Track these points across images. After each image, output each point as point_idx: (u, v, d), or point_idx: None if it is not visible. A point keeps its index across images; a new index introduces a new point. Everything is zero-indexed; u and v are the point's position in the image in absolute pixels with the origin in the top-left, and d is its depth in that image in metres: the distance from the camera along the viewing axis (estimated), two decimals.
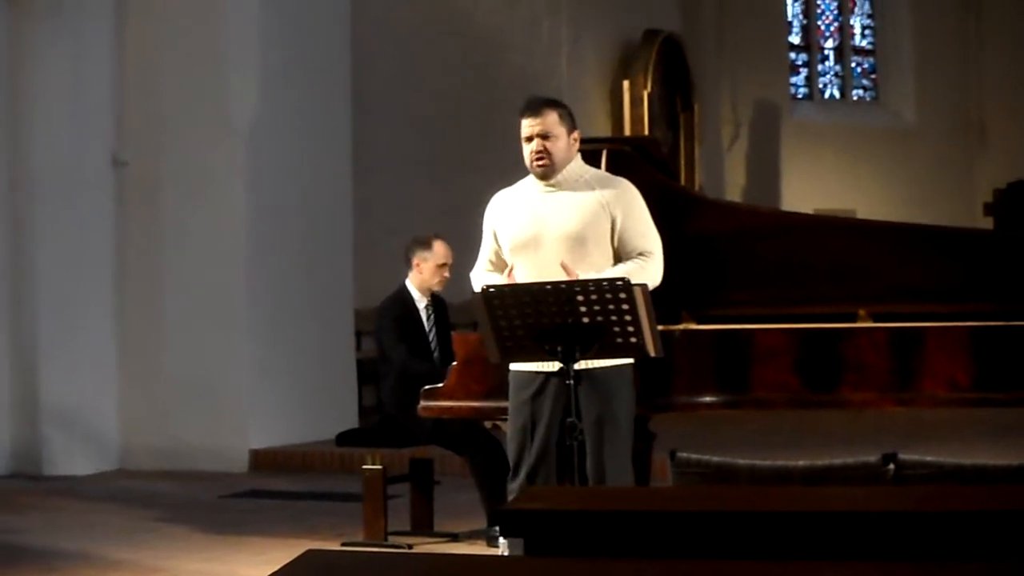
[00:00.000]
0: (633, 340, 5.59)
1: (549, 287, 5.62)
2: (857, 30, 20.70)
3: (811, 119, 19.92)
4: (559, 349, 5.58)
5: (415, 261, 8.40)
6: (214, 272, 11.57)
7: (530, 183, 6.17)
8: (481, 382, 6.62)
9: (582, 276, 5.78)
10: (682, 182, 15.51)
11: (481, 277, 6.13)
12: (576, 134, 6.14)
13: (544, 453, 5.98)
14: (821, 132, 19.74)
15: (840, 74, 20.59)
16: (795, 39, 20.29)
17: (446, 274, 8.40)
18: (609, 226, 6.03)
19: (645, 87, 16.65)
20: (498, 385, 6.32)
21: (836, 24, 20.59)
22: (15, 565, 8.01)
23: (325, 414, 11.59)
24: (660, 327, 5.70)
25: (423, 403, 6.82)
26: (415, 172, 14.28)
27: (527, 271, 6.01)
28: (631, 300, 5.52)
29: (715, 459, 4.37)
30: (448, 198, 13.45)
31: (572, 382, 5.59)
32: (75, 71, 11.47)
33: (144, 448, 11.64)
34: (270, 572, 3.23)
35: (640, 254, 6.02)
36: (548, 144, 6.03)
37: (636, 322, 5.54)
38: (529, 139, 6.07)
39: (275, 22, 11.82)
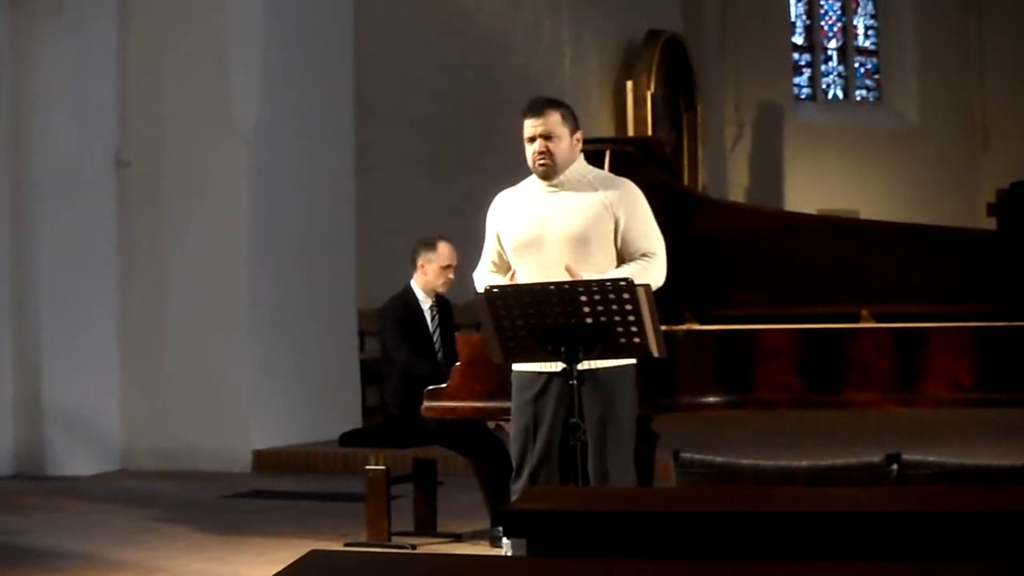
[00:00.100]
0: (636, 340, 5.59)
1: (552, 287, 5.62)
2: (860, 30, 20.69)
3: (814, 119, 19.92)
4: (562, 349, 5.58)
5: (419, 262, 8.40)
6: (216, 272, 11.57)
7: (533, 183, 6.16)
8: (484, 382, 6.62)
9: (585, 278, 5.78)
10: (685, 182, 15.50)
11: (484, 278, 6.12)
12: (579, 135, 6.14)
13: (547, 453, 5.97)
14: (824, 132, 19.74)
15: (843, 74, 20.59)
16: (798, 39, 20.29)
17: (450, 275, 8.40)
18: (612, 227, 6.02)
19: (648, 87, 16.64)
20: (501, 385, 6.32)
21: (839, 24, 20.59)
22: (18, 565, 8.01)
23: (328, 414, 11.60)
24: (663, 327, 5.70)
25: (426, 403, 6.83)
26: (417, 172, 14.28)
27: (530, 271, 6.00)
28: (634, 300, 5.51)
29: (718, 459, 4.37)
30: (450, 198, 13.45)
31: (575, 382, 5.59)
32: (77, 71, 11.48)
33: (146, 448, 11.65)
34: (273, 573, 3.23)
35: (643, 255, 6.02)
36: (550, 145, 6.03)
37: (639, 322, 5.54)
38: (531, 139, 6.07)
39: (277, 22, 11.82)
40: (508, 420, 6.26)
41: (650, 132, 16.26)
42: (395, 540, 8.21)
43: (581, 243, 5.98)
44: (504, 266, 6.16)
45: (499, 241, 6.17)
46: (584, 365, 5.66)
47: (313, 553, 3.43)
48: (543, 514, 3.70)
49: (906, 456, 4.22)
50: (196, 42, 11.64)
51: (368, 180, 12.93)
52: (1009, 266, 6.85)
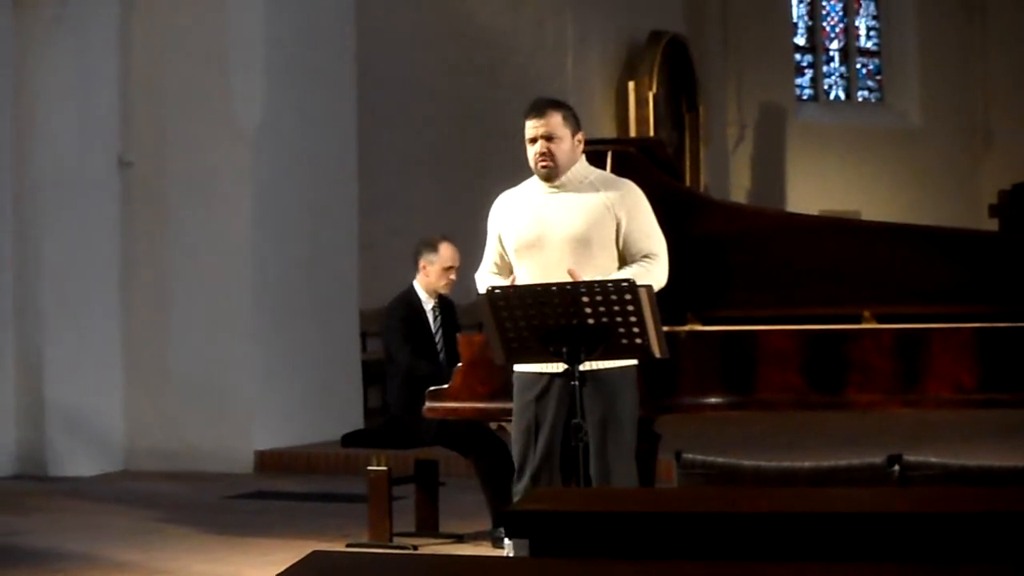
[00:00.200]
0: (638, 341, 5.59)
1: (554, 288, 5.62)
2: (862, 31, 20.68)
3: (816, 120, 19.91)
4: (564, 350, 5.58)
5: (421, 263, 8.40)
6: (219, 273, 11.57)
7: (534, 184, 6.16)
8: (486, 383, 6.62)
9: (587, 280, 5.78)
10: (687, 183, 15.49)
11: (486, 279, 6.12)
12: (580, 135, 6.14)
13: (548, 454, 5.98)
14: (826, 133, 19.73)
15: (845, 75, 20.57)
16: (800, 40, 20.28)
17: (452, 277, 8.39)
18: (614, 228, 6.02)
19: (650, 88, 16.62)
20: (503, 386, 6.32)
21: (841, 25, 20.57)
22: (20, 566, 8.02)
23: (330, 415, 11.60)
24: (665, 328, 5.70)
25: (428, 404, 6.83)
26: (420, 173, 14.28)
27: (531, 273, 6.01)
28: (636, 301, 5.51)
29: (720, 460, 4.37)
30: (453, 199, 13.45)
31: (577, 383, 5.59)
32: (80, 72, 11.48)
33: (149, 449, 11.65)
34: (275, 573, 3.23)
35: (645, 256, 6.02)
36: (552, 146, 6.03)
37: (641, 323, 5.54)
38: (533, 140, 6.06)
39: (279, 23, 11.83)
40: (510, 421, 6.26)
41: (652, 133, 16.24)
42: (397, 541, 8.22)
43: (583, 244, 5.98)
44: (506, 267, 6.16)
45: (501, 242, 6.17)
46: (586, 366, 5.66)
47: (315, 554, 3.44)
48: (545, 515, 3.70)
49: (908, 457, 4.22)
50: (198, 43, 11.64)
51: (370, 181, 12.93)
52: (1011, 267, 6.85)
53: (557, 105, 6.14)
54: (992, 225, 17.40)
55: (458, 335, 7.15)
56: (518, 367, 6.05)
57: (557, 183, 6.08)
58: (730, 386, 6.60)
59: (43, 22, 11.35)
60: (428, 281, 8.40)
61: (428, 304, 8.41)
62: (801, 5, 20.26)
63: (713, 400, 6.61)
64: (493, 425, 7.70)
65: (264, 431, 11.60)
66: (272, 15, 11.76)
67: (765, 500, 3.88)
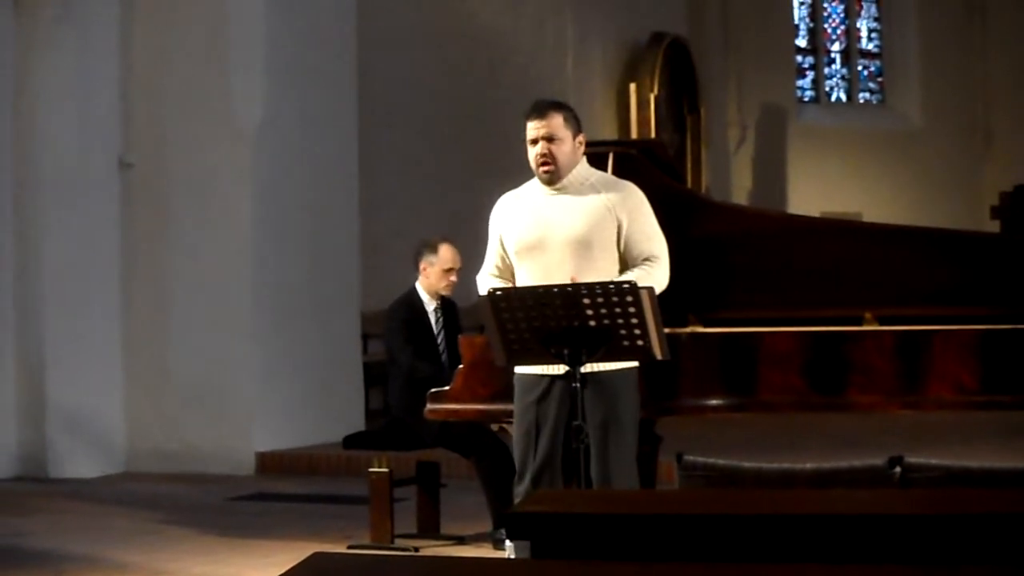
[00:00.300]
0: (640, 343, 5.59)
1: (556, 290, 5.62)
2: (863, 33, 20.68)
3: (817, 122, 19.91)
4: (565, 352, 5.57)
5: (422, 265, 8.40)
6: (220, 274, 11.57)
7: (535, 185, 6.16)
8: (487, 385, 6.62)
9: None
10: (688, 185, 15.49)
11: (487, 281, 6.12)
12: (581, 137, 6.14)
13: (549, 456, 5.97)
14: (827, 135, 19.73)
15: (846, 77, 20.58)
16: (801, 42, 20.28)
17: (452, 278, 8.39)
18: (615, 230, 6.02)
19: (652, 90, 16.63)
20: (504, 388, 6.32)
21: (842, 27, 20.58)
22: (21, 568, 8.02)
23: (331, 417, 11.60)
24: (666, 330, 5.70)
25: (429, 406, 6.83)
26: (421, 174, 14.28)
27: (532, 275, 6.01)
28: (637, 303, 5.51)
29: (721, 462, 4.37)
30: (454, 200, 13.45)
31: (578, 385, 5.59)
32: (80, 73, 11.48)
33: (150, 451, 11.65)
34: (276, 575, 3.23)
35: (646, 258, 6.02)
36: (553, 147, 6.03)
37: (643, 325, 5.54)
38: (534, 141, 6.06)
39: (280, 24, 11.83)
40: (511, 423, 6.26)
41: (653, 134, 16.25)
42: (398, 542, 8.21)
43: (584, 247, 5.98)
44: (508, 269, 6.16)
45: (502, 244, 6.17)
46: (587, 368, 5.66)
47: (316, 555, 3.44)
48: (546, 517, 3.70)
49: (909, 459, 4.22)
50: (198, 43, 11.64)
51: (371, 182, 12.93)
52: (1012, 269, 6.85)
53: (558, 106, 6.14)
54: (993, 226, 17.39)
55: (459, 337, 7.15)
56: (519, 369, 6.05)
57: (558, 185, 6.08)
58: (731, 388, 6.60)
59: (44, 23, 11.35)
60: (429, 282, 8.40)
61: (430, 306, 8.40)
62: (802, 7, 20.27)
63: (714, 402, 6.61)
64: (494, 427, 7.70)
65: (265, 432, 11.60)
66: (272, 15, 11.76)
67: (766, 502, 3.88)
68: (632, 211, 6.05)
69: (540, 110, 6.08)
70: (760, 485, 4.31)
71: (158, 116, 11.73)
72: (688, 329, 6.75)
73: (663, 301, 5.75)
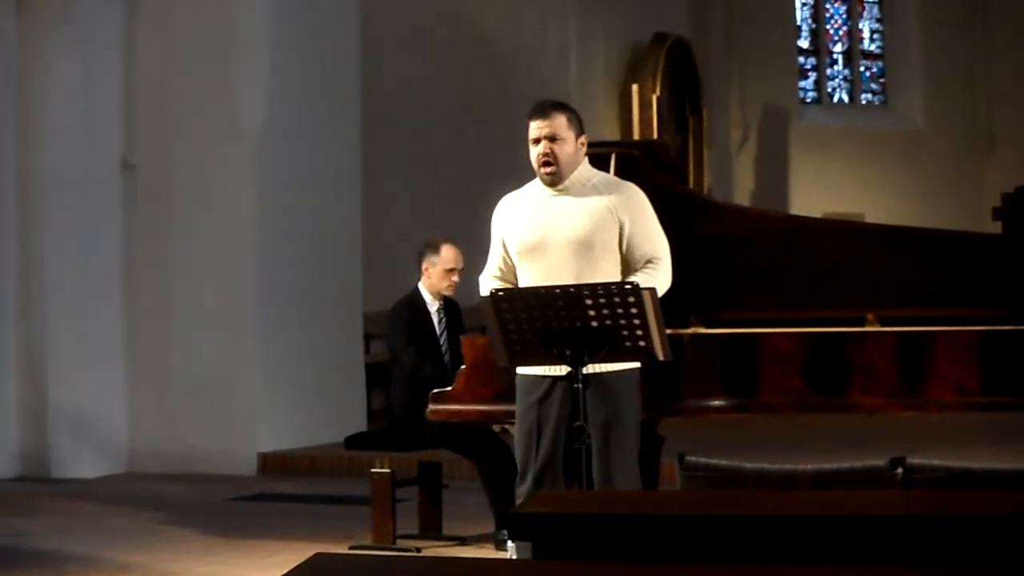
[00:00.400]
0: (642, 344, 5.59)
1: (558, 291, 5.63)
2: (866, 34, 20.69)
3: (820, 123, 19.92)
4: (567, 353, 5.57)
5: (424, 265, 8.40)
6: (223, 276, 11.57)
7: (537, 186, 6.16)
8: (489, 385, 6.62)
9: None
10: (691, 186, 15.49)
11: (489, 283, 6.12)
12: (584, 138, 6.14)
13: (550, 457, 5.97)
14: (829, 136, 19.74)
15: (849, 78, 20.58)
16: (804, 43, 20.29)
17: (455, 279, 8.39)
18: (617, 231, 6.02)
19: (654, 91, 16.63)
20: (506, 388, 6.32)
21: (845, 28, 20.58)
22: (23, 568, 8.02)
23: (333, 417, 11.60)
24: (668, 331, 5.70)
25: (431, 406, 6.83)
26: (424, 176, 14.29)
27: (534, 276, 6.01)
28: (639, 304, 5.51)
29: (723, 463, 4.38)
30: (457, 202, 13.43)
31: (580, 386, 5.59)
32: (85, 75, 11.49)
33: (152, 451, 11.65)
34: (278, 575, 3.23)
35: (648, 260, 6.02)
36: (555, 147, 6.03)
37: (645, 326, 5.54)
38: (537, 141, 6.06)
39: (284, 27, 11.83)
40: (513, 423, 6.26)
41: (655, 135, 16.25)
42: (400, 543, 8.22)
43: (585, 248, 5.98)
44: (510, 271, 6.16)
45: (504, 246, 6.18)
46: (588, 369, 5.66)
47: (318, 556, 3.44)
48: (548, 517, 3.70)
49: (911, 460, 4.23)
50: (202, 45, 11.64)
51: (374, 183, 12.94)
52: (1014, 270, 6.85)
53: (562, 107, 6.14)
54: (995, 228, 17.38)
55: (461, 337, 7.14)
56: (521, 369, 6.06)
57: (560, 186, 6.08)
58: (733, 389, 6.60)
59: (47, 24, 11.35)
60: (431, 283, 8.40)
61: (433, 306, 8.41)
62: (805, 8, 20.28)
63: (716, 403, 6.61)
64: (496, 427, 7.70)
65: (267, 433, 11.60)
66: (276, 17, 11.76)
67: (768, 503, 3.88)
68: (634, 212, 6.05)
69: (543, 110, 6.09)
70: (762, 486, 4.31)
71: (161, 118, 11.73)
72: (690, 330, 6.75)
73: (665, 302, 5.75)
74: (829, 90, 20.47)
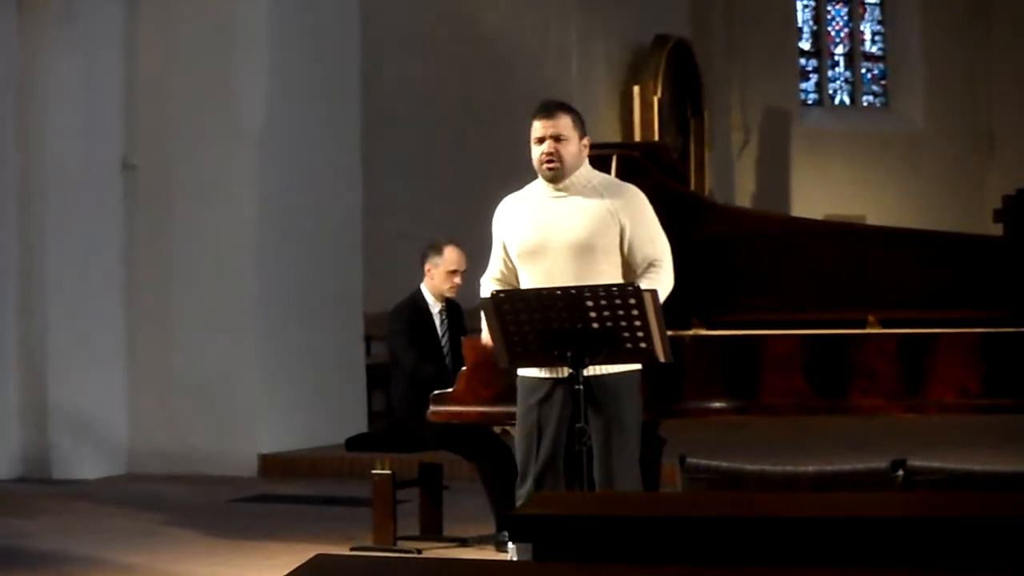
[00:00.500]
0: (643, 345, 5.59)
1: (559, 292, 5.63)
2: (867, 36, 20.69)
3: (821, 125, 19.91)
4: (568, 354, 5.57)
5: (427, 267, 8.40)
6: (223, 276, 11.57)
7: (537, 187, 6.16)
8: (490, 387, 6.62)
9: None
10: (692, 188, 15.49)
11: (490, 286, 6.11)
12: (586, 140, 6.15)
13: (551, 459, 5.97)
14: (831, 138, 19.73)
15: (850, 80, 20.58)
16: (805, 45, 20.29)
17: (457, 280, 8.39)
18: (618, 233, 6.02)
19: (655, 92, 16.63)
20: (507, 390, 6.32)
21: (846, 30, 20.58)
22: (25, 569, 8.02)
23: (334, 419, 11.59)
24: (670, 332, 5.70)
25: (432, 408, 6.83)
26: (424, 176, 14.29)
27: (535, 278, 6.01)
28: (640, 305, 5.52)
29: (724, 465, 4.37)
30: (458, 203, 13.43)
31: (581, 387, 5.59)
32: (85, 75, 11.49)
33: (153, 452, 11.65)
34: None
35: (650, 262, 6.02)
36: (559, 147, 6.03)
37: (646, 327, 5.54)
38: (541, 140, 6.06)
39: (285, 26, 11.83)
40: (514, 425, 6.26)
41: (657, 137, 16.24)
42: (401, 544, 8.21)
43: (586, 250, 5.98)
44: (511, 273, 6.16)
45: (504, 248, 6.18)
46: (589, 371, 5.66)
47: (319, 557, 3.44)
48: (549, 519, 3.70)
49: (912, 462, 4.22)
50: (203, 44, 11.64)
51: (375, 184, 12.93)
52: (1015, 272, 6.85)
53: (566, 108, 6.16)
54: (996, 230, 17.38)
55: (462, 338, 7.14)
56: (521, 371, 6.06)
57: (561, 187, 6.08)
58: (734, 391, 6.60)
59: (47, 24, 11.35)
60: (433, 284, 8.40)
61: (435, 308, 8.40)
62: (806, 10, 20.28)
63: (717, 404, 6.61)
64: (497, 429, 7.70)
65: (268, 434, 11.60)
66: (277, 16, 11.76)
67: (769, 505, 3.88)
68: (635, 215, 6.05)
69: (549, 109, 6.09)
70: (763, 488, 4.31)
71: (162, 117, 11.73)
72: (691, 332, 6.75)
73: (666, 303, 5.75)
74: (830, 92, 20.46)
